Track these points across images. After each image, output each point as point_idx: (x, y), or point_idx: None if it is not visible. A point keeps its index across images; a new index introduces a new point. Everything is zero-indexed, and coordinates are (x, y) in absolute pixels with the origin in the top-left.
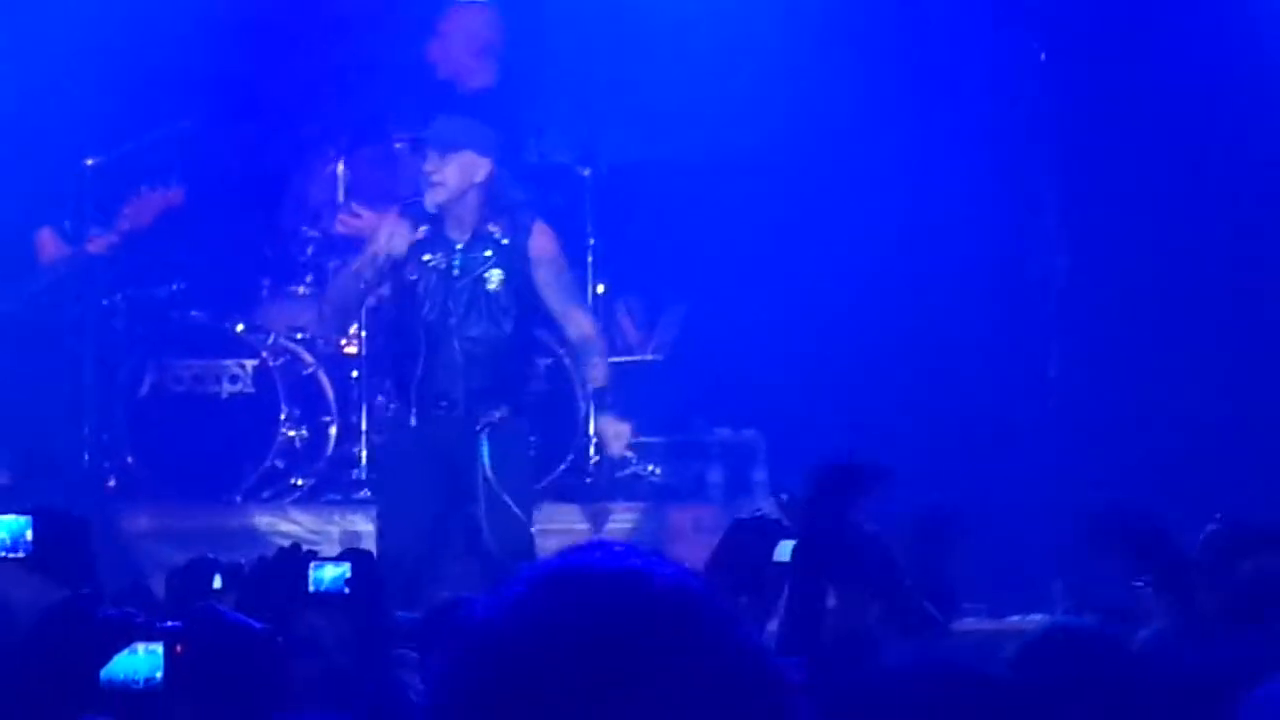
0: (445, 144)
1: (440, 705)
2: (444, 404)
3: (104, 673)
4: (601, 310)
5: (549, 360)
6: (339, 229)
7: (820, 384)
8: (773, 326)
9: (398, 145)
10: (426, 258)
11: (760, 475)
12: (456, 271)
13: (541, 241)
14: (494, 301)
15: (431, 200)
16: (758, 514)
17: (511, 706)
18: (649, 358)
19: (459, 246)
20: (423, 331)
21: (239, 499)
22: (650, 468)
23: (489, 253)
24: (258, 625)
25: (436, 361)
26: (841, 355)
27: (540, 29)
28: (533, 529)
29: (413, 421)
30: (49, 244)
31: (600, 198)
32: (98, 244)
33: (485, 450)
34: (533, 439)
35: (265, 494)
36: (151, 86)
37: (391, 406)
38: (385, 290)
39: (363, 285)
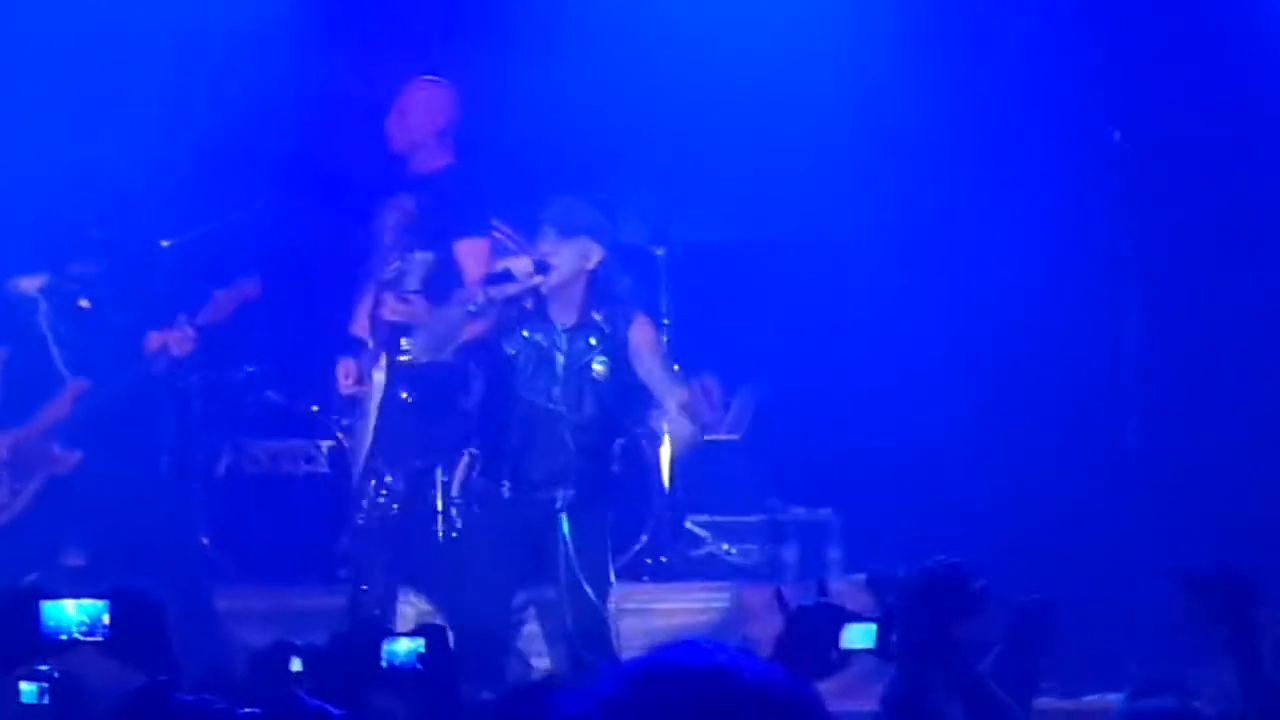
0: (563, 226)
1: None
2: (531, 483)
3: None
4: None
5: (623, 440)
6: (386, 314)
7: (894, 462)
8: (847, 405)
9: (497, 233)
10: (527, 334)
11: (835, 554)
12: (561, 356)
13: (643, 334)
14: (595, 389)
15: (545, 283)
16: (822, 600)
17: None
18: (724, 437)
19: (563, 329)
20: (516, 408)
21: (316, 579)
22: (725, 547)
23: (593, 340)
24: (335, 712)
25: (526, 440)
26: (916, 433)
27: (615, 109)
28: (607, 612)
29: (497, 497)
30: (155, 338)
31: (674, 277)
32: (179, 340)
33: (566, 531)
34: (607, 528)
35: (341, 573)
36: (230, 167)
37: (473, 477)
38: (475, 364)
39: (466, 313)
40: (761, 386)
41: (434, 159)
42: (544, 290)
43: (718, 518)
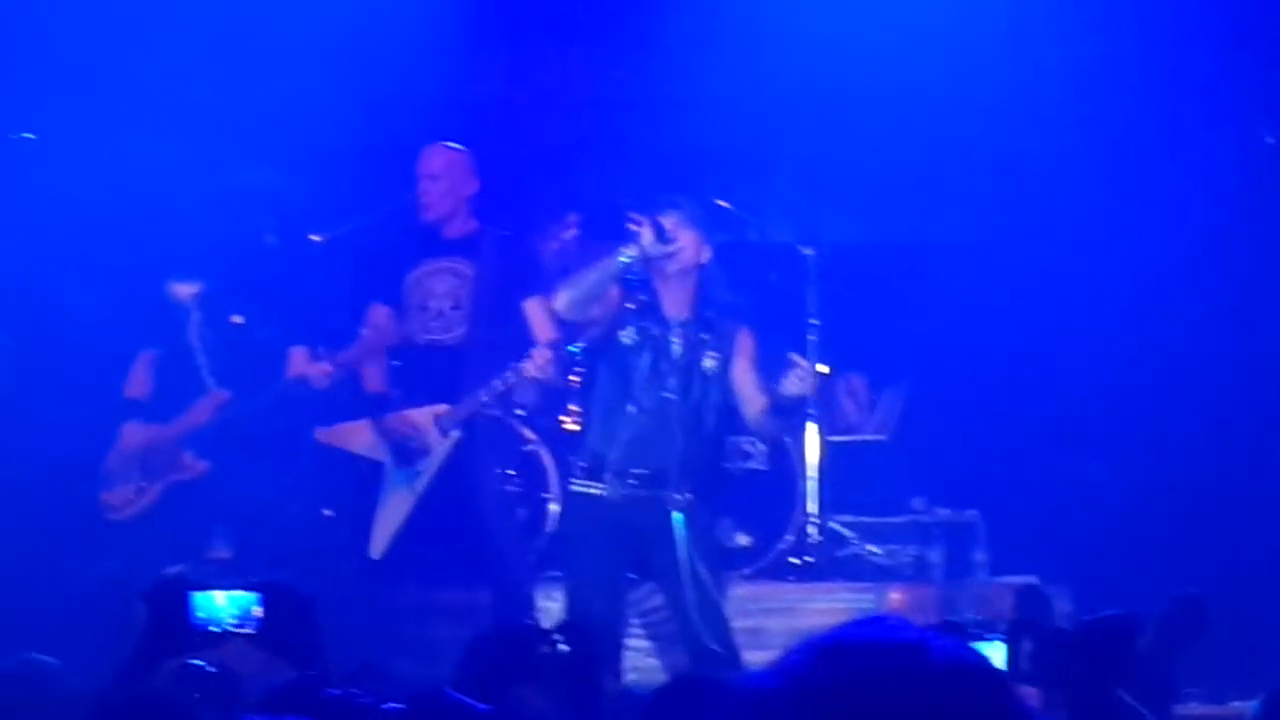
0: (686, 217)
1: None
2: (644, 474)
3: None
4: (823, 390)
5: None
6: (529, 371)
7: (1041, 464)
8: (994, 405)
9: (623, 256)
10: (642, 326)
11: (980, 556)
12: (676, 346)
13: (747, 345)
14: (707, 383)
15: (672, 266)
16: (950, 620)
17: None
18: (871, 437)
19: (676, 323)
20: (630, 399)
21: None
22: (871, 548)
23: (706, 336)
24: (481, 707)
25: (641, 432)
26: (1063, 434)
27: (764, 109)
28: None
29: (606, 492)
30: (298, 361)
31: (823, 277)
32: (318, 375)
33: (682, 530)
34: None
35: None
36: (378, 164)
37: (581, 469)
38: (592, 353)
39: (608, 279)
40: (908, 387)
41: (466, 225)
42: (668, 270)
43: (863, 518)
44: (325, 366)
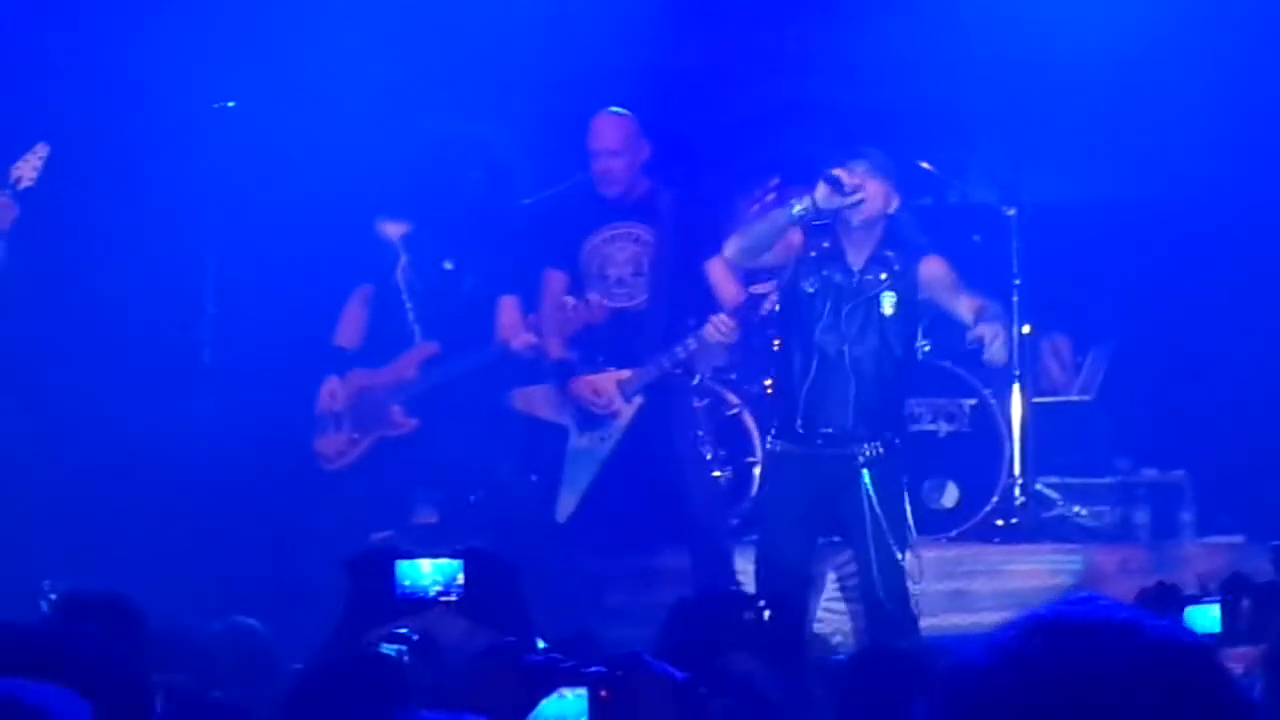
0: (874, 166)
1: None
2: (829, 431)
3: (530, 718)
4: (1028, 351)
5: (974, 400)
6: (711, 336)
7: (1249, 423)
8: (1200, 364)
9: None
10: (826, 274)
11: (1187, 516)
12: (855, 293)
13: (933, 267)
14: (886, 326)
15: (856, 216)
16: (1163, 582)
17: None
18: (1076, 398)
19: (858, 270)
20: (814, 350)
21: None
22: (1077, 509)
23: (884, 275)
24: (679, 675)
25: (824, 384)
26: (1271, 391)
27: (965, 69)
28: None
29: (796, 450)
30: (509, 312)
31: (1025, 237)
32: (525, 341)
33: (868, 484)
34: (904, 479)
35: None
36: (581, 128)
37: (773, 430)
38: (776, 304)
39: (777, 229)
40: (1113, 346)
41: (643, 188)
42: (853, 221)
43: (1069, 479)
44: (530, 337)
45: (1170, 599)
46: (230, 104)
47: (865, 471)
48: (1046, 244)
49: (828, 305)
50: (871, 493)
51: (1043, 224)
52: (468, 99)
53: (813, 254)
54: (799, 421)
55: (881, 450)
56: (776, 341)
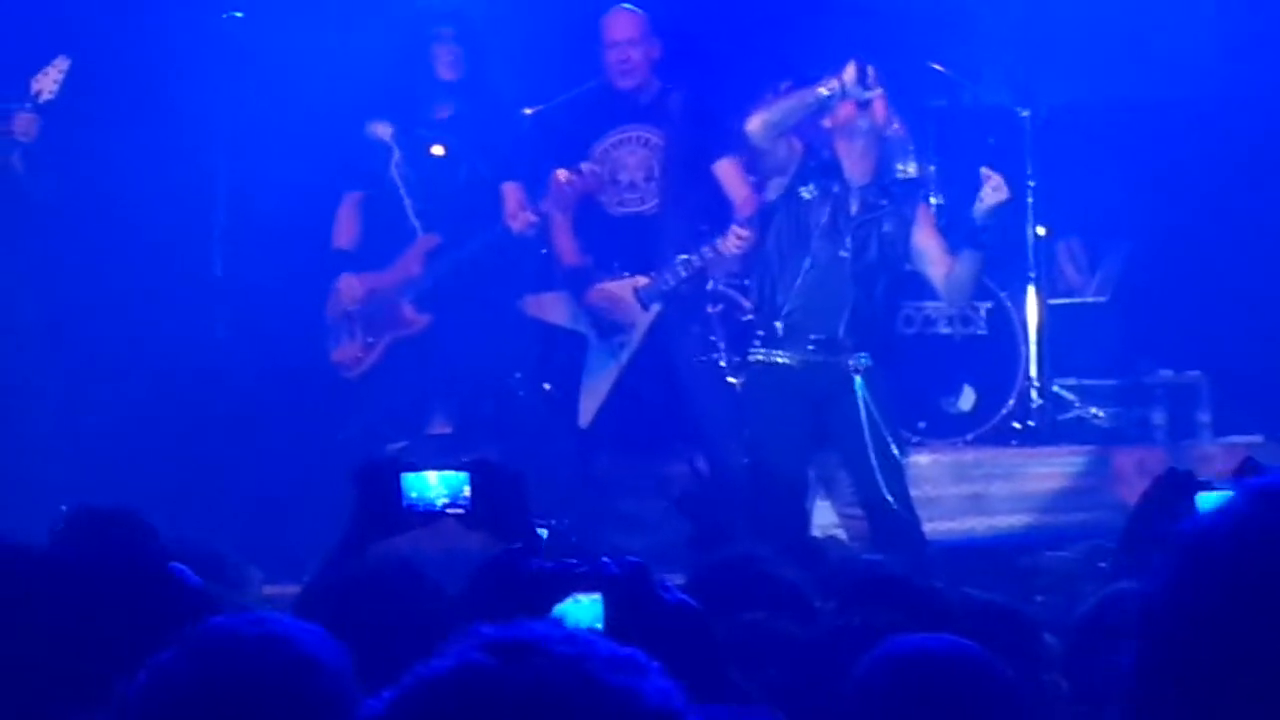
0: (883, 79)
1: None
2: (819, 338)
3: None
4: (1042, 253)
5: (990, 304)
6: (728, 247)
7: (1265, 323)
8: (1216, 265)
9: (824, 89)
10: (823, 182)
11: (1204, 417)
12: (854, 207)
13: (928, 214)
14: (883, 245)
15: (863, 121)
16: (1175, 468)
17: (1250, 622)
18: (1091, 299)
19: (858, 186)
20: (806, 256)
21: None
22: (1094, 410)
23: (885, 201)
24: (694, 603)
25: (815, 292)
26: None
27: None
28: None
29: (784, 359)
30: (512, 198)
31: (1039, 139)
32: (525, 220)
33: (862, 393)
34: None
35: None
36: (587, 36)
37: (758, 337)
38: (776, 207)
39: (804, 108)
40: (1129, 247)
41: (652, 89)
42: (859, 127)
43: (1085, 381)
44: (530, 216)
45: (1183, 486)
46: (238, 14)
47: (857, 378)
48: (1061, 145)
49: (824, 213)
50: (867, 398)
51: (1057, 125)
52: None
53: (812, 163)
54: (789, 327)
55: (870, 361)
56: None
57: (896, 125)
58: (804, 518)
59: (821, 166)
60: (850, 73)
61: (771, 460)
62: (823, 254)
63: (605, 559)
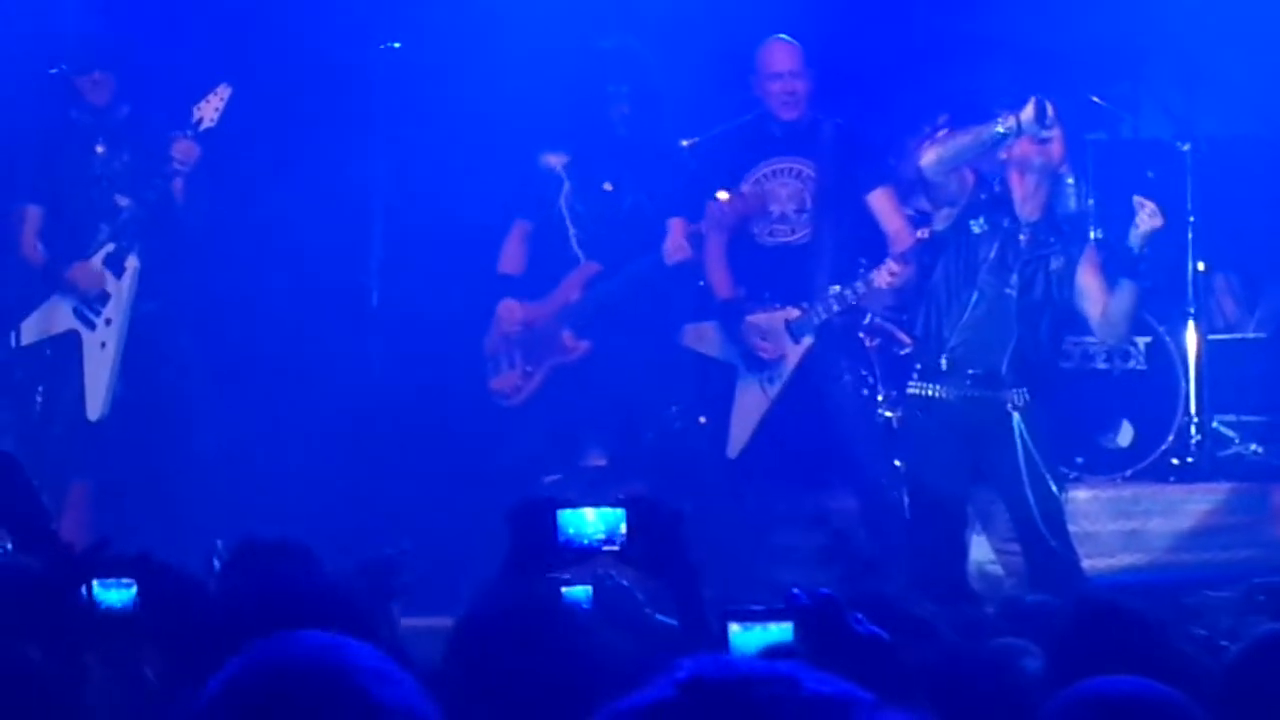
0: (1060, 115)
1: None
2: (978, 373)
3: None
4: (1201, 287)
5: (1149, 339)
6: (881, 281)
7: None
8: None
9: (1000, 126)
10: (995, 216)
11: None
12: (1023, 242)
13: (1093, 255)
14: (1050, 283)
15: (1038, 158)
16: None
17: None
18: (1252, 335)
19: (1027, 222)
20: (975, 290)
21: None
22: (1253, 447)
23: (1054, 239)
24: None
25: (980, 326)
26: None
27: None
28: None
29: (942, 394)
30: (677, 231)
31: (1200, 173)
32: (680, 249)
33: (1021, 429)
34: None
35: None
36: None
37: (917, 370)
38: (946, 239)
39: (980, 145)
40: None
41: (806, 119)
42: (1033, 163)
43: (1245, 417)
44: (685, 247)
45: None
46: (395, 45)
47: (1015, 415)
48: (1220, 179)
49: (993, 248)
50: (1025, 435)
51: (1216, 158)
52: (628, 23)
53: (983, 196)
54: (950, 361)
55: (1029, 397)
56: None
57: (1063, 162)
58: (962, 552)
59: (993, 200)
60: (1029, 110)
61: (929, 494)
62: (990, 289)
63: (796, 590)
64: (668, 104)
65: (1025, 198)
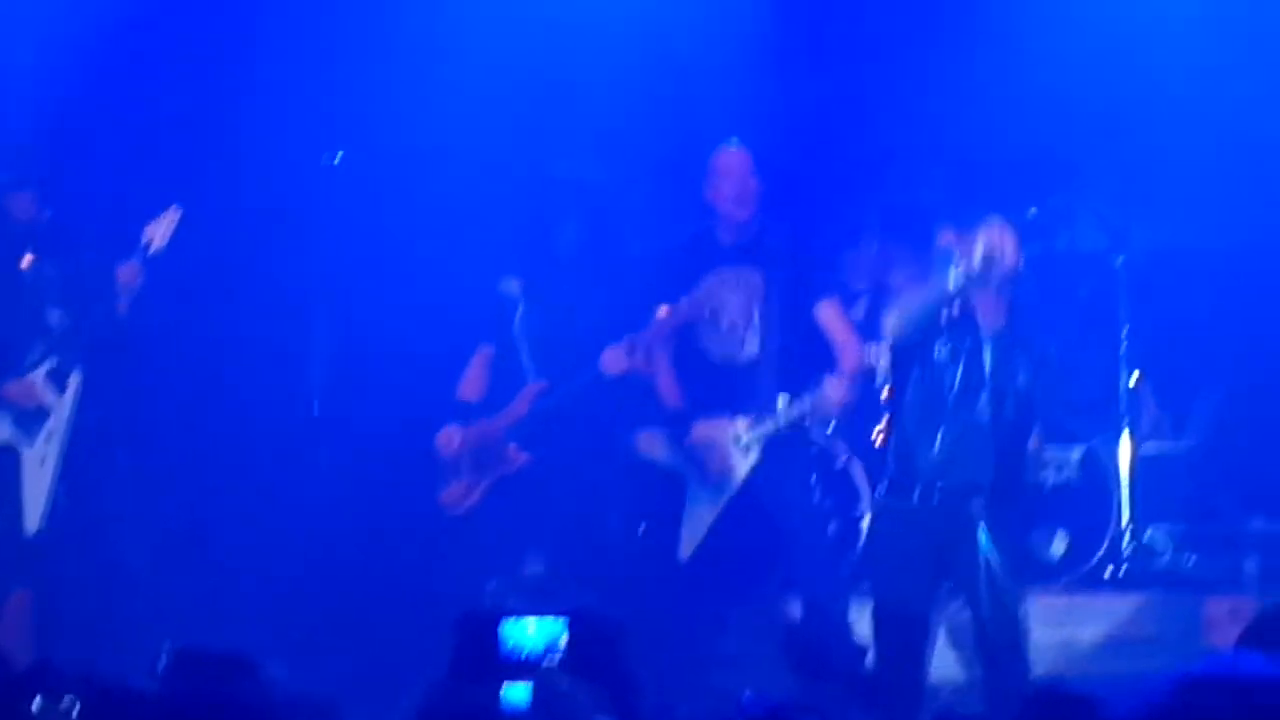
0: (1006, 224)
1: None
2: (948, 490)
3: None
4: (1135, 399)
5: (1081, 449)
6: (829, 397)
7: None
8: None
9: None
10: (955, 341)
11: None
12: (989, 361)
13: (1049, 368)
14: (1020, 401)
15: (995, 277)
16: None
17: None
18: (1184, 445)
19: (992, 335)
20: (936, 413)
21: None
22: (1186, 557)
23: (1018, 351)
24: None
25: (949, 449)
26: None
27: (1073, 115)
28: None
29: (910, 503)
30: (613, 351)
31: (1133, 284)
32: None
33: (985, 540)
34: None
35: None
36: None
37: (885, 484)
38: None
39: (938, 303)
40: (1222, 393)
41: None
42: (991, 282)
43: (1178, 527)
44: (624, 361)
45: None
46: (339, 156)
47: (980, 523)
48: (1154, 290)
49: (959, 372)
50: (986, 545)
51: (1150, 270)
52: (574, 142)
53: (944, 316)
54: (915, 479)
55: (999, 507)
56: (887, 389)
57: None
58: (923, 661)
59: (954, 323)
60: (978, 253)
61: (894, 603)
62: (959, 413)
63: (748, 695)
64: (620, 222)
65: (986, 311)
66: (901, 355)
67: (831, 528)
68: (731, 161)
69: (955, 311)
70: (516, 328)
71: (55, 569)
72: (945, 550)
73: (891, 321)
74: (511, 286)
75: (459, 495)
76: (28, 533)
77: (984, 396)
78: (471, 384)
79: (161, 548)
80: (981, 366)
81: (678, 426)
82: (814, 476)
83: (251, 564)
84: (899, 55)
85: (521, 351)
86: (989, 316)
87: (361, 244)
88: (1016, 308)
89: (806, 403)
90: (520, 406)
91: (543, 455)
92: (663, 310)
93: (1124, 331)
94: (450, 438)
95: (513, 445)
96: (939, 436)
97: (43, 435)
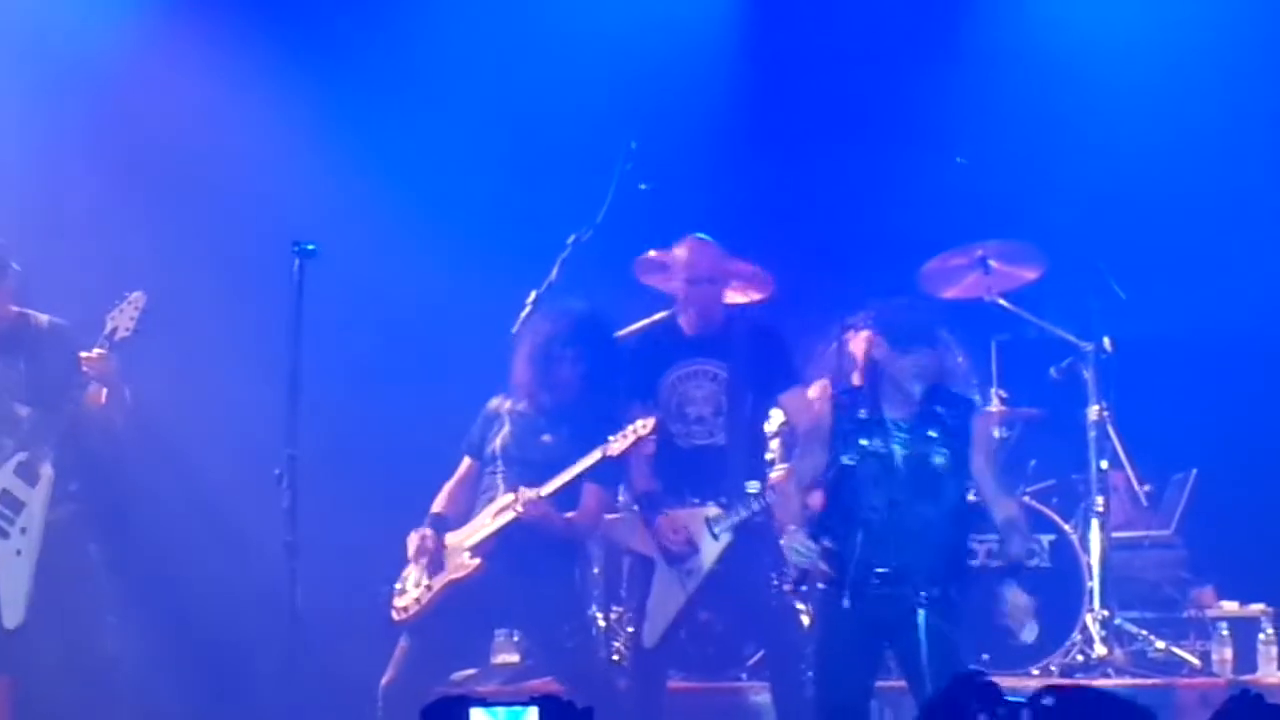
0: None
1: None
2: (884, 575)
3: None
4: (1106, 485)
5: (1052, 536)
6: None
7: None
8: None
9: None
10: (864, 443)
11: (1273, 650)
12: (899, 451)
13: (983, 426)
14: (939, 481)
15: (911, 382)
16: (1253, 693)
17: None
18: (1155, 533)
19: (903, 427)
20: (861, 517)
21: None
22: (1157, 643)
23: (934, 433)
24: None
25: (873, 539)
26: None
27: (1046, 205)
28: None
29: (845, 601)
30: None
31: (1103, 370)
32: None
33: (922, 625)
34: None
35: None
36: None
37: (820, 586)
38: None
39: (812, 461)
40: (1192, 479)
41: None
42: (912, 389)
43: (1148, 613)
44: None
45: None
46: (310, 246)
47: (921, 612)
48: (1125, 378)
49: (869, 470)
50: (927, 633)
51: (1121, 358)
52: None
53: (847, 426)
54: (854, 570)
55: (939, 593)
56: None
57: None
58: None
59: (857, 428)
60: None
61: (834, 691)
62: (877, 507)
63: None
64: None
65: (891, 403)
66: (828, 471)
67: (805, 612)
68: (701, 258)
69: (861, 414)
70: (496, 446)
71: (35, 657)
72: (885, 636)
73: (789, 477)
74: (497, 405)
75: (410, 600)
76: (7, 627)
77: (899, 486)
78: (449, 499)
79: (136, 637)
80: (892, 461)
81: (649, 510)
82: (782, 561)
83: (230, 654)
84: (859, 142)
85: (498, 468)
86: (894, 406)
87: (335, 331)
88: (946, 403)
89: (773, 496)
90: (486, 517)
91: (505, 560)
92: (646, 425)
93: (1094, 417)
94: (412, 540)
95: (466, 553)
96: (862, 532)
97: (17, 528)
